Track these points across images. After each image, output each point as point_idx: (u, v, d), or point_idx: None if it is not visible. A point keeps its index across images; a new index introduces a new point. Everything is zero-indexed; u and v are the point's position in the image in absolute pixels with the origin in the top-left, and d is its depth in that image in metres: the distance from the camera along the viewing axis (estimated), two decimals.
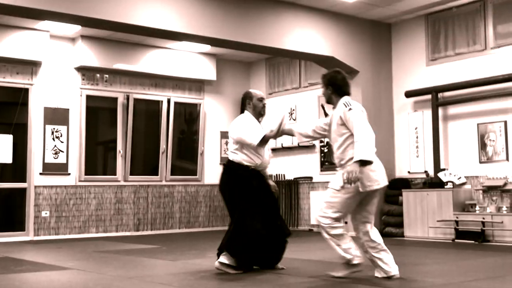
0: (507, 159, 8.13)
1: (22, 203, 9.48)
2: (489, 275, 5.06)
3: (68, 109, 9.83)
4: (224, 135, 10.89)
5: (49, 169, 9.55)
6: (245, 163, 5.20)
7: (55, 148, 9.64)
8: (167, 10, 7.51)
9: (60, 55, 9.83)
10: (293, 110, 10.83)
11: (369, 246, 4.62)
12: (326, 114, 9.40)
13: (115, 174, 10.28)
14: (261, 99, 5.41)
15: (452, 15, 8.86)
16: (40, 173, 9.49)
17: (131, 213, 10.35)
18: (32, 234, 9.38)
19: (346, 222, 5.30)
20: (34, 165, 9.48)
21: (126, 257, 6.69)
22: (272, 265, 5.28)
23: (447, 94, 8.88)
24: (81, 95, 9.98)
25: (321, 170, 10.32)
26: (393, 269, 4.61)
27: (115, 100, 10.35)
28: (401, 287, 4.31)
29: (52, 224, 9.56)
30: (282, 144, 10.81)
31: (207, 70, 11.02)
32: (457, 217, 8.03)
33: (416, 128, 9.28)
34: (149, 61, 10.38)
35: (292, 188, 10.79)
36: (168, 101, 10.82)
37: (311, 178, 10.55)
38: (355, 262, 4.59)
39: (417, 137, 9.25)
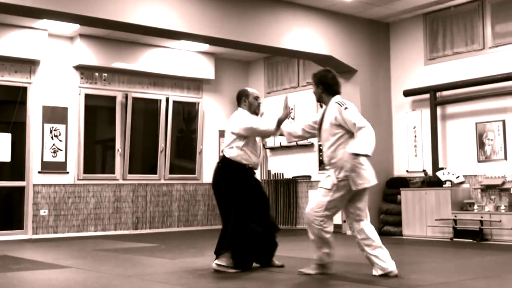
0: (505, 158, 8.14)
1: (20, 202, 9.48)
2: (487, 274, 5.06)
3: (66, 108, 9.83)
4: (223, 134, 10.85)
5: (47, 167, 9.55)
6: (244, 162, 5.19)
7: (54, 146, 9.63)
8: (166, 9, 7.51)
9: (58, 54, 9.82)
10: (292, 109, 10.84)
11: (365, 244, 4.65)
12: None
13: (113, 173, 10.28)
14: (256, 98, 5.42)
15: (450, 15, 8.86)
16: (39, 172, 9.49)
17: (129, 212, 10.35)
18: (30, 233, 9.38)
19: (344, 221, 5.31)
20: (33, 163, 9.48)
21: (124, 255, 6.70)
22: (269, 262, 5.31)
23: (446, 93, 8.89)
24: (79, 94, 9.98)
25: (320, 169, 10.31)
26: (390, 265, 4.62)
27: (113, 98, 10.35)
28: (399, 286, 4.31)
29: (51, 223, 9.56)
30: (280, 143, 10.81)
31: (205, 69, 11.02)
32: (455, 216, 8.03)
33: (414, 127, 9.29)
34: (148, 60, 10.38)
35: (291, 187, 10.80)
36: (167, 100, 10.82)
37: (309, 177, 10.55)
38: (326, 266, 4.79)
39: (415, 136, 9.26)
